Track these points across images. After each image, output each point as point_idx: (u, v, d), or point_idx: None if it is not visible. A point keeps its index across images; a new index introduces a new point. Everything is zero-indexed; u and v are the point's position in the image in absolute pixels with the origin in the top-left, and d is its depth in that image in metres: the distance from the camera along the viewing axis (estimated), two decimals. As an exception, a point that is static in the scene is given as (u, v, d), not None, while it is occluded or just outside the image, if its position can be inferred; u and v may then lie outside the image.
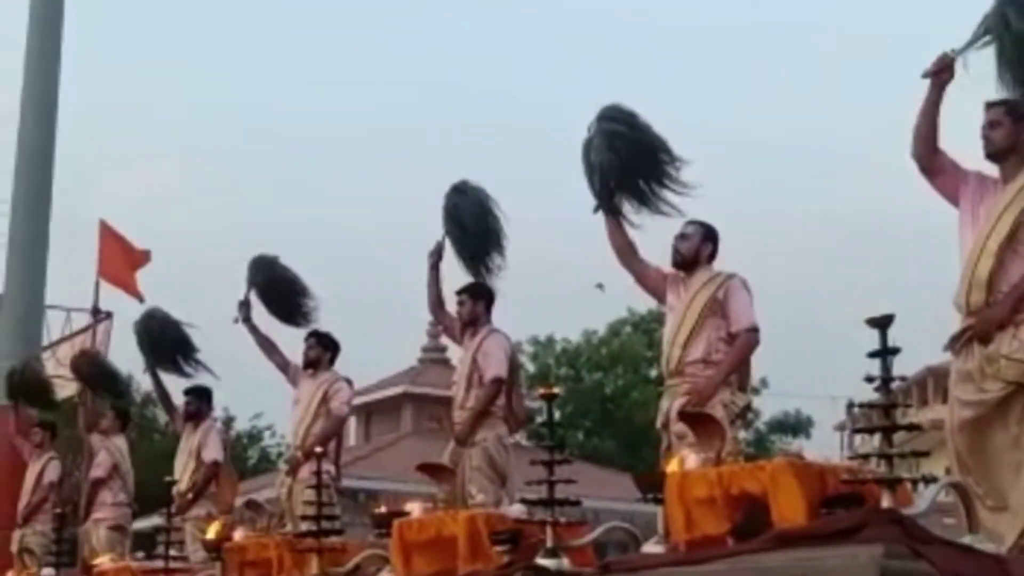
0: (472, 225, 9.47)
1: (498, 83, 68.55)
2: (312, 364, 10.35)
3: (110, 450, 12.44)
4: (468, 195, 9.55)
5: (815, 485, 5.51)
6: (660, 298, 7.96)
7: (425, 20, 72.54)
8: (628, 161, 7.92)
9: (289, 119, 67.64)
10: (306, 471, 9.56)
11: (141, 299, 16.60)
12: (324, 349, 10.38)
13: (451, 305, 9.55)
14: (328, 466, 9.22)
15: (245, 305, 10.96)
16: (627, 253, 8.04)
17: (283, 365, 10.77)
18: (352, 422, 32.16)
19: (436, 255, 9.58)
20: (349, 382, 10.40)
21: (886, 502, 5.19)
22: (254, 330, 10.97)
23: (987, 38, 6.29)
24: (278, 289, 11.00)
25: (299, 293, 10.98)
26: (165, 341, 12.03)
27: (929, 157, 6.27)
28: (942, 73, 6.26)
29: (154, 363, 12.09)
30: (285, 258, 11.06)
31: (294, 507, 9.78)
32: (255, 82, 67.35)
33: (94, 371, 13.51)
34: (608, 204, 7.98)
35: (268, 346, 10.90)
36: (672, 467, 6.14)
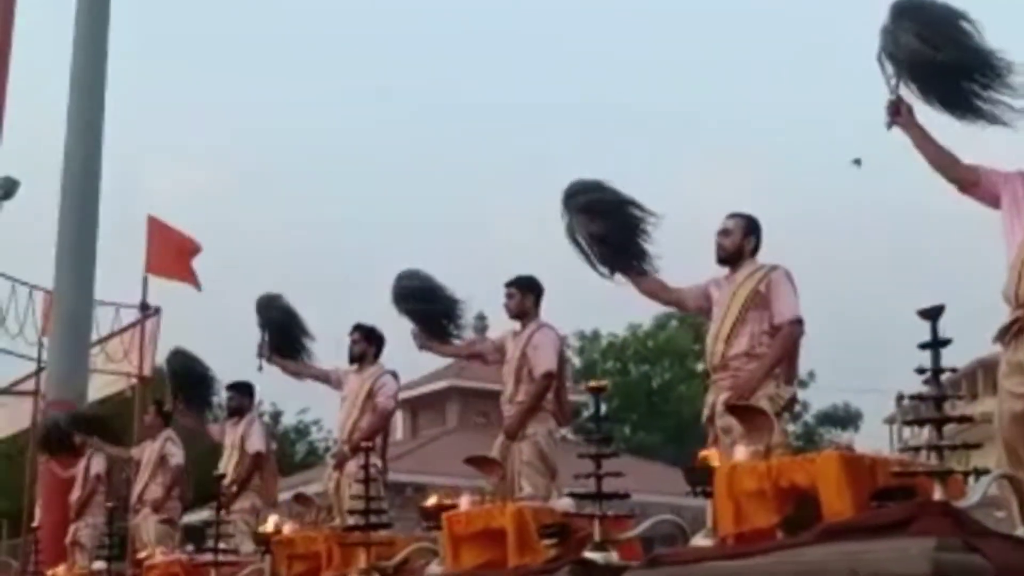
0: (430, 300, 9.89)
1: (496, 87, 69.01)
2: (358, 358, 10.37)
3: (174, 440, 12.61)
4: (408, 279, 9.95)
5: (865, 478, 5.47)
6: (707, 312, 7.90)
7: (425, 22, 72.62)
8: (616, 217, 8.01)
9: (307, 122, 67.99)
10: (353, 465, 9.56)
11: (199, 287, 16.95)
12: (369, 343, 10.37)
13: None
14: (375, 460, 9.26)
15: (264, 347, 11.15)
16: (661, 293, 8.12)
17: (323, 377, 10.87)
18: (399, 416, 32.26)
19: (419, 338, 9.90)
20: (395, 375, 10.41)
21: (938, 495, 5.14)
22: (281, 364, 11.15)
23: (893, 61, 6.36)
24: (281, 325, 11.21)
25: (301, 330, 11.22)
26: (187, 380, 12.45)
27: (958, 177, 6.24)
28: (899, 113, 6.32)
29: (175, 392, 12.51)
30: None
31: (342, 501, 9.81)
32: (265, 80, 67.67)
33: (89, 423, 14.32)
34: (620, 266, 8.06)
35: (301, 369, 11.13)
36: (713, 461, 6.13)
